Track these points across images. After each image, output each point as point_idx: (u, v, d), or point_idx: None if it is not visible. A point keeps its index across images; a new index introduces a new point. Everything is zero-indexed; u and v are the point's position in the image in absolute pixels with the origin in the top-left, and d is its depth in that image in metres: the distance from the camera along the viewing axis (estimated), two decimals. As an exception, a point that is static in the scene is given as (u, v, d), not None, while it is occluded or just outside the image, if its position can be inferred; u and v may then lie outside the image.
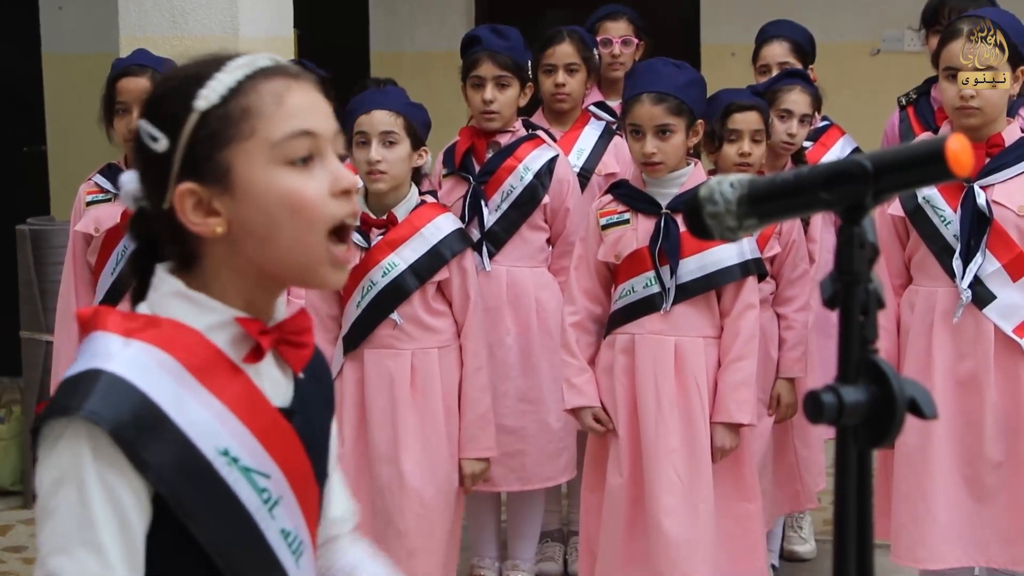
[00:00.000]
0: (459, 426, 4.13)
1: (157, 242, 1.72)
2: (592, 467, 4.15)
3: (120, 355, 1.62)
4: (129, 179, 1.73)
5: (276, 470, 1.69)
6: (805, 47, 5.22)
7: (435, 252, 4.09)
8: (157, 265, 1.72)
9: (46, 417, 1.61)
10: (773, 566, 4.75)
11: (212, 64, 1.69)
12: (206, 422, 1.63)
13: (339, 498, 1.94)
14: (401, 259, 4.08)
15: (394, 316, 4.08)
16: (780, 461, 4.64)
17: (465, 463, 4.13)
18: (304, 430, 1.74)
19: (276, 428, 1.70)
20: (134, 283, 1.75)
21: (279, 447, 1.70)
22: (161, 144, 1.67)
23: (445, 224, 4.14)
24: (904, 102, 5.18)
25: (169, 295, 1.69)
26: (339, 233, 1.69)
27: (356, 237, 4.08)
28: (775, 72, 4.98)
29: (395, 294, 4.08)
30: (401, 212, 4.10)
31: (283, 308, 1.76)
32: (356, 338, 4.13)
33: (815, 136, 5.12)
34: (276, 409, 1.71)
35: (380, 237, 4.09)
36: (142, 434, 1.59)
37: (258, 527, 1.67)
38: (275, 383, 1.73)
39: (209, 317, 1.68)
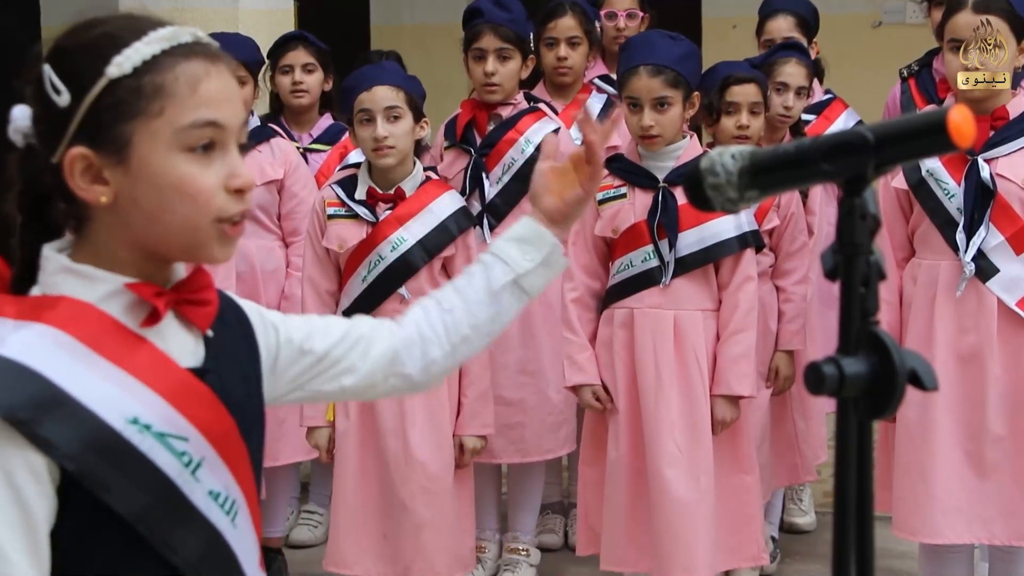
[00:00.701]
0: (459, 402, 4.15)
1: (45, 193, 1.68)
2: (590, 441, 4.16)
3: (10, 339, 1.60)
4: (21, 115, 1.68)
5: (193, 431, 1.66)
6: (809, 21, 5.21)
7: (443, 228, 4.11)
8: (44, 246, 1.69)
9: None
10: (773, 538, 4.76)
11: (132, 29, 1.64)
12: (110, 393, 1.61)
13: (327, 325, 1.95)
14: (410, 234, 4.08)
15: (402, 291, 4.09)
16: (779, 433, 4.64)
17: (466, 439, 4.15)
18: (221, 387, 1.71)
19: (188, 389, 1.67)
20: (17, 267, 1.71)
21: (194, 408, 1.67)
22: (63, 99, 1.63)
23: (451, 201, 4.17)
24: (906, 74, 5.17)
25: (57, 272, 1.66)
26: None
27: (363, 211, 4.09)
28: None
29: (404, 268, 4.09)
30: (408, 187, 4.11)
31: (182, 269, 1.74)
32: (361, 312, 4.13)
33: (818, 109, 5.12)
34: (186, 370, 1.68)
35: (388, 212, 4.09)
36: (41, 414, 1.57)
37: (181, 491, 1.64)
38: (182, 344, 1.70)
39: (99, 288, 1.65)
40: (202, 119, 1.63)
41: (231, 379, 1.75)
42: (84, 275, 1.65)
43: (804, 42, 5.06)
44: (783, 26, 5.15)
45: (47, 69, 1.65)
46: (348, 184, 4.17)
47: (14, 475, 1.56)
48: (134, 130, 1.62)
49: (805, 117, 4.99)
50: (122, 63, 1.62)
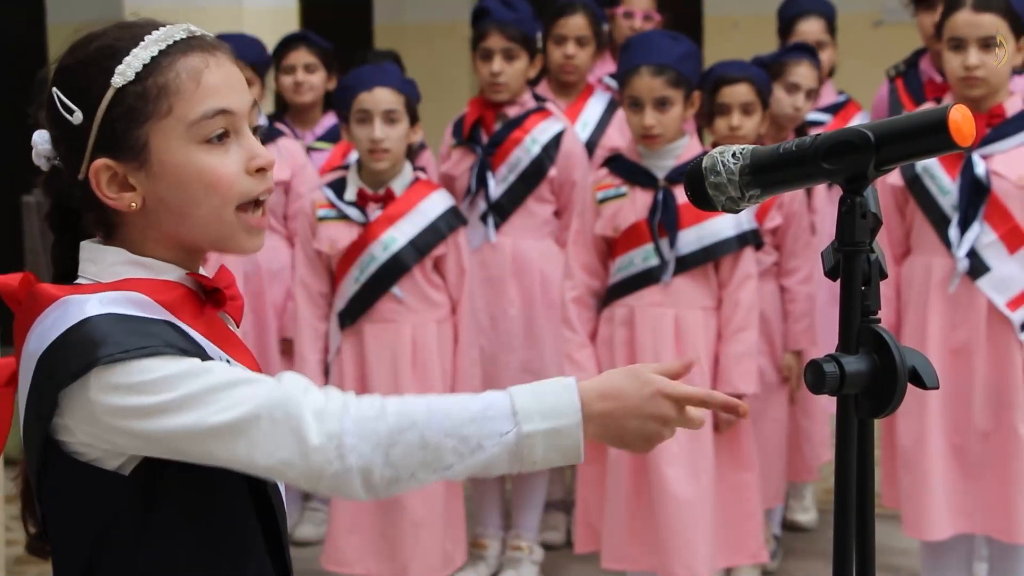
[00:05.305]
0: None
1: (74, 207, 1.73)
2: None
3: (98, 299, 1.62)
4: (41, 139, 1.74)
5: None
6: (834, 22, 5.22)
7: (433, 227, 4.14)
8: (82, 243, 1.73)
9: (73, 379, 1.59)
10: (775, 536, 4.77)
11: (127, 37, 1.69)
12: (202, 341, 1.68)
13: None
14: (401, 233, 4.12)
15: (395, 290, 4.12)
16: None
17: None
18: None
19: (251, 362, 1.76)
20: (53, 268, 1.75)
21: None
22: (76, 117, 1.68)
23: (441, 201, 4.20)
24: (893, 74, 5.15)
25: (118, 264, 1.70)
26: (255, 202, 1.72)
27: (354, 212, 4.11)
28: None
29: (396, 268, 4.12)
30: (398, 187, 4.14)
31: (208, 270, 1.80)
32: (355, 312, 4.16)
33: (833, 111, 5.12)
34: (247, 348, 1.79)
35: (379, 212, 4.12)
36: (173, 342, 1.62)
37: None
38: None
39: (164, 277, 1.70)
40: (211, 109, 1.68)
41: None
42: (150, 267, 1.70)
43: (831, 43, 5.09)
44: (815, 28, 5.15)
45: (55, 92, 1.70)
46: (338, 185, 4.20)
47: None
48: (148, 132, 1.67)
49: (820, 118, 5.01)
50: (124, 71, 1.67)
